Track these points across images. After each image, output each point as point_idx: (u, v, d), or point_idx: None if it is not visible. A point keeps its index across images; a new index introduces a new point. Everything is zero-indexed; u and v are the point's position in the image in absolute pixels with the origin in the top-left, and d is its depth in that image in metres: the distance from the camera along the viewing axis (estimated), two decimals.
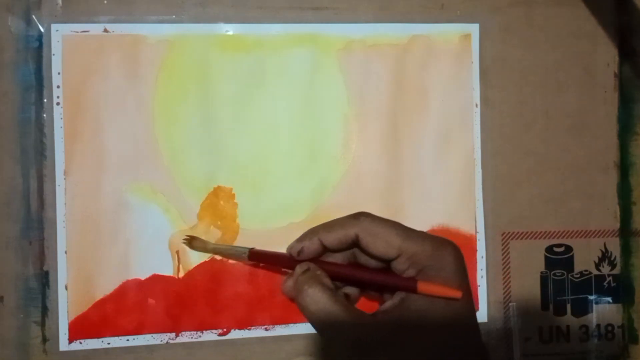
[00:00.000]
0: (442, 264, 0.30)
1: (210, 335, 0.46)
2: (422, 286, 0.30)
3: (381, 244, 0.31)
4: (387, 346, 0.30)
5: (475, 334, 0.31)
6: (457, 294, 0.29)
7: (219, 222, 0.46)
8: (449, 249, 0.31)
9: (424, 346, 0.29)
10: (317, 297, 0.31)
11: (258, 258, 0.41)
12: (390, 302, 0.32)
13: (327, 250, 0.33)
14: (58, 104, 0.44)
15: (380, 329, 0.30)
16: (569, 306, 0.50)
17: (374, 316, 0.31)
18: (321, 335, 0.31)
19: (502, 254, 0.49)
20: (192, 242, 0.44)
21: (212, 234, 0.46)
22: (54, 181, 0.44)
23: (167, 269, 0.45)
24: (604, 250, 0.51)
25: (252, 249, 0.41)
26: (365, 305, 0.35)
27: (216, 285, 0.46)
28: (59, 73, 0.44)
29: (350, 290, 0.35)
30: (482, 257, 0.49)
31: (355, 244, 0.32)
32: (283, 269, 0.44)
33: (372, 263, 0.33)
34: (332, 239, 0.33)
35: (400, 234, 0.31)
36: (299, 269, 0.34)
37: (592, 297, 0.50)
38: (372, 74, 0.48)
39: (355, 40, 0.48)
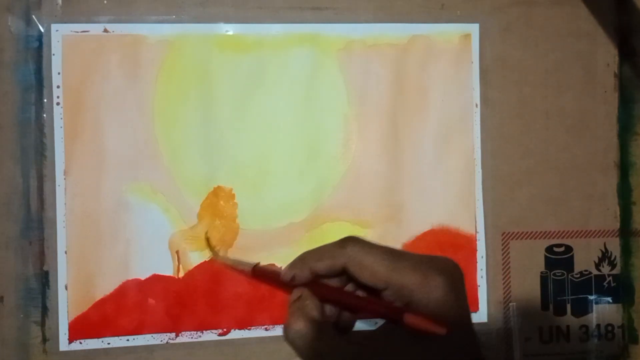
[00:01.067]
0: (430, 297, 0.30)
1: (210, 335, 0.46)
2: (409, 318, 0.30)
3: (368, 275, 0.31)
4: None
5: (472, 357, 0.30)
6: (442, 330, 0.29)
7: (218, 222, 0.46)
8: (438, 279, 0.30)
9: None
10: (302, 332, 0.30)
11: (260, 275, 0.40)
12: (381, 326, 0.32)
13: (320, 276, 0.33)
14: (58, 104, 0.44)
15: (366, 356, 0.30)
16: (569, 306, 0.50)
17: (360, 344, 0.31)
18: None
19: (502, 254, 0.49)
20: (210, 245, 0.45)
21: (211, 234, 0.46)
22: (54, 181, 0.44)
23: (167, 269, 0.45)
24: (604, 250, 0.51)
25: (257, 264, 0.39)
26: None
27: (216, 285, 0.46)
28: (59, 73, 0.44)
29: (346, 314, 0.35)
30: (482, 257, 0.49)
31: (345, 272, 0.32)
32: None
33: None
34: (321, 267, 0.32)
35: (388, 265, 0.31)
36: (293, 294, 0.33)
37: (592, 297, 0.50)
38: (372, 74, 0.48)
39: (355, 40, 0.48)
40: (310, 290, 0.33)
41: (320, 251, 0.33)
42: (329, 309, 0.33)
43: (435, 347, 0.29)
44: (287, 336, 0.31)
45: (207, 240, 0.45)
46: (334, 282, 0.34)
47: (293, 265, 0.34)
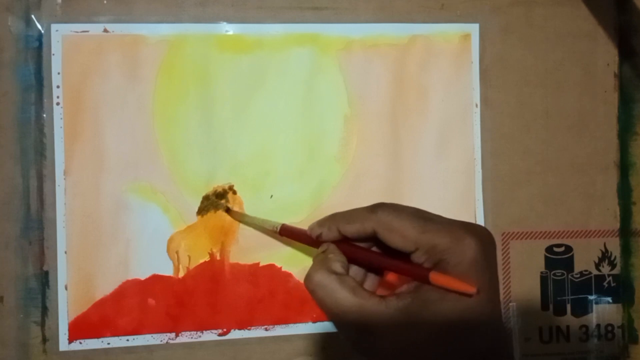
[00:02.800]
0: (459, 258, 0.29)
1: (210, 336, 0.46)
2: (435, 277, 0.29)
3: (397, 238, 0.31)
4: (394, 332, 0.29)
5: (494, 334, 0.30)
6: (471, 289, 0.28)
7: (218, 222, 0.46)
8: (468, 241, 0.29)
9: (432, 338, 0.29)
10: (323, 282, 0.31)
11: (288, 233, 0.42)
12: (405, 287, 0.31)
13: (347, 238, 0.33)
14: (58, 104, 0.44)
15: (387, 314, 0.29)
16: (569, 306, 0.50)
17: (384, 300, 0.30)
18: (330, 320, 0.31)
19: (502, 254, 0.49)
20: (230, 212, 0.46)
21: (209, 234, 0.46)
22: (54, 181, 0.44)
23: (167, 269, 0.45)
24: (604, 250, 0.51)
25: (284, 224, 0.42)
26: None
27: (216, 285, 0.46)
28: (58, 73, 0.44)
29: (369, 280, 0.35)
30: None
31: (374, 236, 0.32)
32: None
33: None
34: (350, 230, 0.33)
35: (418, 227, 0.30)
36: (319, 249, 0.34)
37: (592, 297, 0.50)
38: (372, 74, 0.48)
39: (355, 40, 0.48)
40: (337, 246, 0.33)
41: (351, 214, 0.33)
42: (354, 270, 0.34)
43: (461, 309, 0.29)
44: (307, 285, 0.31)
45: (224, 200, 0.46)
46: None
47: (321, 223, 0.34)
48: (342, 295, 0.30)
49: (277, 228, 0.42)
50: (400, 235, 0.31)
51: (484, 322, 0.29)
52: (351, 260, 0.33)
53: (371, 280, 0.35)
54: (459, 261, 0.29)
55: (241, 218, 0.46)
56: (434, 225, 0.30)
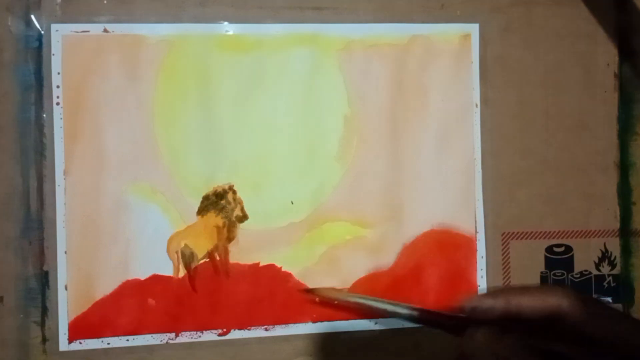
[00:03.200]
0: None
1: (210, 335, 0.46)
2: None
3: (608, 330, 0.26)
4: None
5: None
6: None
7: (220, 218, 0.46)
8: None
9: None
10: None
11: (428, 316, 0.34)
12: None
13: (514, 315, 0.27)
14: (58, 104, 0.44)
15: None
16: None
17: None
18: None
19: (502, 254, 0.49)
20: (319, 292, 0.42)
21: (209, 234, 0.46)
22: (54, 181, 0.44)
23: (167, 269, 0.45)
24: (604, 250, 0.51)
25: (420, 309, 0.34)
26: None
27: (216, 285, 0.46)
28: (58, 73, 0.44)
29: None
30: (482, 257, 0.49)
31: (553, 318, 0.26)
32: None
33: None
34: (526, 303, 0.26)
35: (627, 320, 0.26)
36: (468, 336, 0.27)
37: None
38: (372, 74, 0.48)
39: (355, 41, 0.48)
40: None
41: (526, 287, 0.28)
42: None
43: None
44: None
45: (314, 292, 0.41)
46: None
47: (484, 294, 0.28)
48: None
49: (415, 314, 0.34)
50: (612, 326, 0.26)
51: None
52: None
53: None
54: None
55: (354, 301, 0.39)
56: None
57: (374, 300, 0.37)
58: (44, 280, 0.44)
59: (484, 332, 0.27)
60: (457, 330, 0.29)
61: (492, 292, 0.28)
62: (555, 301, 0.26)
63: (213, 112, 0.46)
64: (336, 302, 0.40)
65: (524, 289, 0.27)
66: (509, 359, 0.26)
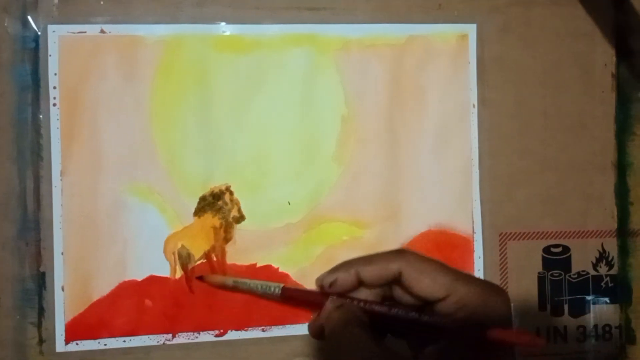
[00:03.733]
0: (493, 310, 0.27)
1: (207, 336, 0.46)
2: (497, 334, 0.26)
3: (428, 281, 0.28)
4: None
5: None
6: (541, 342, 0.27)
7: (217, 219, 0.46)
8: (501, 295, 0.28)
9: None
10: (358, 339, 0.27)
11: (291, 294, 0.38)
12: (434, 346, 0.29)
13: (363, 285, 0.30)
14: (55, 104, 0.44)
15: None
16: (566, 307, 0.50)
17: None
18: None
19: (500, 255, 0.49)
20: (206, 278, 0.44)
21: (206, 235, 0.46)
22: (51, 182, 0.44)
23: (164, 270, 0.45)
24: (601, 250, 0.51)
25: (285, 285, 0.38)
26: None
27: (213, 286, 0.46)
28: (55, 74, 0.44)
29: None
30: (479, 257, 0.49)
31: (395, 280, 0.29)
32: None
33: (409, 303, 0.30)
34: (371, 272, 0.29)
35: (450, 273, 0.28)
36: (330, 303, 0.30)
37: (589, 298, 0.50)
38: (369, 74, 0.48)
39: (352, 41, 0.48)
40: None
41: (371, 256, 0.30)
42: None
43: None
44: (336, 345, 0.28)
45: (203, 278, 0.44)
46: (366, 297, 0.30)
47: (336, 268, 0.31)
48: (379, 357, 0.27)
49: (277, 290, 0.39)
50: (431, 278, 0.28)
51: None
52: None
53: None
54: (493, 313, 0.28)
55: (224, 283, 0.43)
56: (465, 275, 0.29)
57: (247, 281, 0.42)
58: (41, 281, 0.44)
59: (331, 301, 0.30)
60: (319, 305, 0.32)
61: (343, 265, 0.30)
62: (396, 266, 0.29)
63: (210, 112, 0.46)
64: (223, 288, 0.44)
65: (371, 258, 0.30)
66: (350, 322, 0.28)
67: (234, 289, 0.44)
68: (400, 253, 0.30)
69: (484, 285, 0.29)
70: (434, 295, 0.28)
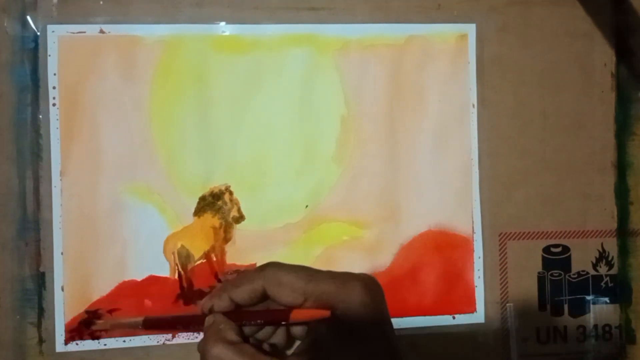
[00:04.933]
0: (347, 301, 0.30)
1: None
2: (295, 314, 0.30)
3: (286, 291, 0.31)
4: None
5: None
6: (325, 313, 0.30)
7: (216, 219, 0.46)
8: (353, 284, 0.31)
9: None
10: (221, 355, 0.30)
11: (153, 325, 0.38)
12: (301, 344, 0.32)
13: (240, 305, 0.33)
14: (54, 105, 0.44)
15: None
16: (566, 306, 0.50)
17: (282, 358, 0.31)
18: None
19: (499, 255, 0.49)
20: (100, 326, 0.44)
21: (206, 235, 0.46)
22: (50, 182, 0.44)
23: (163, 270, 0.45)
24: (601, 250, 0.51)
25: (146, 317, 0.38)
26: None
27: (212, 286, 0.45)
28: (55, 74, 0.44)
29: (277, 339, 0.34)
30: (479, 257, 0.49)
31: (265, 296, 0.32)
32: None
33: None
34: (240, 294, 0.32)
35: (304, 277, 0.31)
36: (206, 322, 0.33)
37: (589, 298, 0.50)
38: (368, 74, 0.48)
39: (352, 41, 0.48)
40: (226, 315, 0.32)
41: (239, 277, 0.33)
42: (266, 329, 0.33)
43: (360, 355, 0.30)
44: None
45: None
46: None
47: (212, 294, 0.33)
48: None
49: (139, 323, 0.38)
50: (288, 288, 0.31)
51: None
52: (244, 325, 0.33)
53: (281, 334, 0.34)
54: (347, 305, 0.30)
55: (105, 325, 0.44)
56: (319, 274, 0.31)
57: (117, 320, 0.43)
58: (41, 282, 0.44)
59: (209, 319, 0.33)
60: (195, 326, 0.34)
61: (218, 290, 0.33)
62: (259, 284, 0.31)
63: (210, 112, 0.46)
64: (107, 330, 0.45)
65: (240, 279, 0.32)
66: (223, 338, 0.31)
67: (111, 328, 0.44)
68: (261, 270, 0.32)
69: (337, 277, 0.31)
70: (295, 302, 0.31)
